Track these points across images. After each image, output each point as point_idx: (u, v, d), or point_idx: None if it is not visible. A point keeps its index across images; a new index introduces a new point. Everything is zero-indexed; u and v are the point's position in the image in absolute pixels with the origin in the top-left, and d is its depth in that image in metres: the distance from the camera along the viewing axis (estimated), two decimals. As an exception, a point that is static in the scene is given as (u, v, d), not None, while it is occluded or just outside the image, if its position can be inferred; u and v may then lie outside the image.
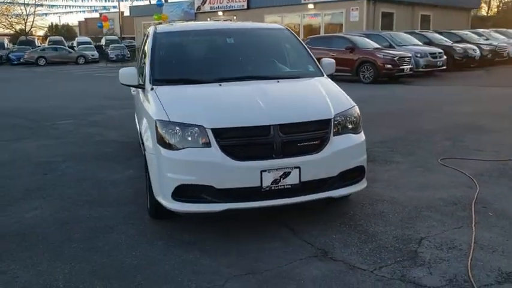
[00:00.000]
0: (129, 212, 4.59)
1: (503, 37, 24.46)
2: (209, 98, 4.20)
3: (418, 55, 17.30)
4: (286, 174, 3.72)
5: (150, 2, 48.81)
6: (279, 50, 5.33)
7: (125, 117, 10.48)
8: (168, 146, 3.80)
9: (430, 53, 17.70)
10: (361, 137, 4.17)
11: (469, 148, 6.70)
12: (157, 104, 4.14)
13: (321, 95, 4.28)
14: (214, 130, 3.70)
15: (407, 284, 3.12)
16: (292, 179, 3.75)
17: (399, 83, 15.91)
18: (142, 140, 5.86)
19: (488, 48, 21.01)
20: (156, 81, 4.50)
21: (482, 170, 5.58)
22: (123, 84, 4.94)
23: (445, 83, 15.75)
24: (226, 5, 29.31)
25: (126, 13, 58.13)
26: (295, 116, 3.86)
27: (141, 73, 5.16)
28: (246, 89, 4.35)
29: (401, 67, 15.99)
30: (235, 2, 28.67)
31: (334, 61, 5.24)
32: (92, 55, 38.79)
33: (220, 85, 4.41)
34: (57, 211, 4.69)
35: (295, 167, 3.73)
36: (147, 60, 4.79)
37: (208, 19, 30.95)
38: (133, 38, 51.68)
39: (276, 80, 4.55)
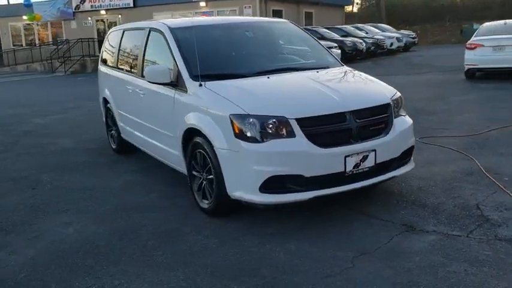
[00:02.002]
0: (181, 215, 4.41)
1: (378, 30, 26.96)
2: (272, 90, 4.22)
3: (318, 49, 18.35)
4: (365, 158, 3.92)
5: (8, 2, 44.52)
6: (293, 42, 5.46)
7: (59, 124, 9.74)
8: (251, 139, 3.76)
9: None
10: (410, 119, 4.52)
11: (431, 128, 7.43)
12: (220, 99, 4.06)
13: (369, 82, 4.55)
14: (298, 120, 3.76)
15: (506, 242, 3.52)
16: (370, 162, 3.96)
17: (307, 75, 16.74)
18: (133, 138, 5.62)
19: (371, 41, 23.04)
20: (199, 77, 4.36)
21: (462, 144, 6.29)
22: (151, 82, 4.71)
23: (349, 73, 16.93)
24: (110, 3, 27.98)
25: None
26: (363, 102, 4.08)
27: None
28: (297, 79, 4.44)
29: (308, 61, 16.85)
30: (120, 0, 27.53)
31: (340, 51, 5.53)
32: None
33: (268, 77, 4.44)
34: (99, 223, 4.34)
35: (372, 150, 3.95)
36: (177, 57, 4.61)
37: (89, 18, 29.40)
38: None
39: (315, 70, 4.70)
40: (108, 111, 6.92)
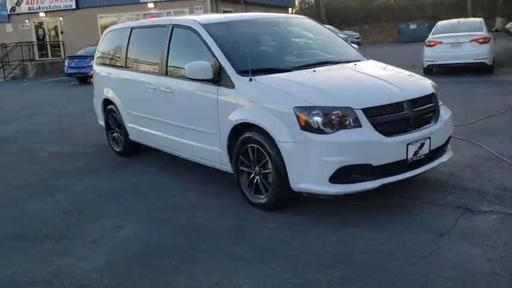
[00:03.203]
0: (233, 211, 4.37)
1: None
2: (327, 82, 4.28)
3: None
4: (422, 145, 4.08)
5: None
6: (316, 36, 5.53)
7: (33, 131, 9.24)
8: (319, 131, 3.80)
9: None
10: (448, 109, 4.73)
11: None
12: (278, 92, 4.08)
13: (407, 73, 4.73)
14: (364, 110, 3.85)
15: (562, 216, 3.81)
16: (425, 149, 4.12)
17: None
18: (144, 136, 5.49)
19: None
20: (245, 72, 4.35)
21: (462, 133, 6.59)
22: (191, 78, 4.62)
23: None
24: (49, 5, 26.72)
25: None
26: (416, 91, 4.25)
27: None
28: (343, 72, 4.56)
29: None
30: (61, 1, 26.38)
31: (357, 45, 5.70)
32: None
33: (314, 71, 4.50)
34: (151, 224, 4.23)
35: (427, 138, 4.11)
36: (218, 53, 4.55)
37: (27, 21, 27.97)
38: None
39: (351, 63, 4.82)
40: (110, 113, 6.67)
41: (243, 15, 5.69)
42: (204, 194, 4.89)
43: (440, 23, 14.70)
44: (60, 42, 27.39)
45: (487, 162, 5.30)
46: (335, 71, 4.58)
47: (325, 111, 3.83)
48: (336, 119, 3.83)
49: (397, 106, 4.01)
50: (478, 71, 12.98)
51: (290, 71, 4.52)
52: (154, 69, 5.52)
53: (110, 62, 6.61)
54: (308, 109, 3.84)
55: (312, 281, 3.09)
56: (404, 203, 4.30)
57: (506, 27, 28.50)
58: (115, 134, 6.71)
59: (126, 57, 6.13)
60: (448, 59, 13.01)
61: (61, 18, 26.96)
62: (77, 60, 18.84)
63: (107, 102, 6.69)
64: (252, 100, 4.24)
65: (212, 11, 23.36)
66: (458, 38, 12.93)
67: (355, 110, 3.84)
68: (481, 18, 14.45)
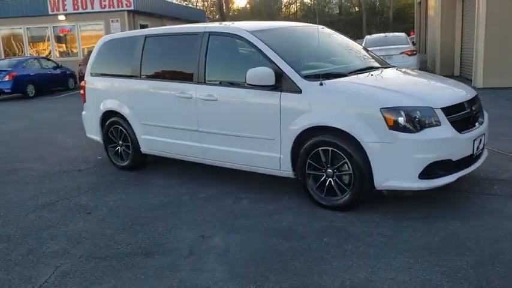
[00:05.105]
0: (308, 214, 4.41)
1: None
2: (395, 85, 4.52)
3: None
4: (480, 141, 4.48)
5: None
6: (346, 45, 5.76)
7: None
8: (407, 130, 4.02)
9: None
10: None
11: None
12: (359, 95, 4.25)
13: (445, 78, 5.14)
14: (443, 109, 4.15)
15: None
16: (482, 145, 4.54)
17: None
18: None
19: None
20: (307, 77, 4.47)
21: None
22: (252, 85, 4.61)
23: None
24: None
25: None
26: (468, 93, 4.65)
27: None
28: (397, 75, 4.85)
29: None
30: (-48, 11, 23.87)
31: (372, 55, 6.06)
32: None
33: (372, 75, 4.73)
34: (235, 231, 4.14)
35: (483, 134, 4.53)
36: (277, 59, 4.58)
37: None
38: None
39: (394, 68, 5.14)
40: (111, 126, 6.31)
41: (274, 23, 5.76)
42: (259, 200, 4.85)
43: (369, 37, 15.83)
44: (-49, 56, 24.74)
45: (494, 157, 5.89)
46: (393, 75, 4.86)
47: (409, 111, 4.06)
48: (419, 119, 4.08)
49: (462, 106, 4.38)
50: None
51: (346, 75, 4.70)
52: (186, 77, 5.36)
53: (115, 71, 6.26)
54: (395, 109, 4.05)
55: (453, 267, 3.28)
56: (461, 195, 4.65)
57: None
58: (118, 147, 6.35)
59: (141, 66, 5.86)
60: (382, 70, 14.03)
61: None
62: (-12, 75, 17.19)
63: (108, 114, 6.32)
64: (326, 104, 4.34)
65: (130, 24, 22.72)
66: (390, 51, 14.03)
67: (435, 110, 4.12)
68: (404, 33, 15.82)
